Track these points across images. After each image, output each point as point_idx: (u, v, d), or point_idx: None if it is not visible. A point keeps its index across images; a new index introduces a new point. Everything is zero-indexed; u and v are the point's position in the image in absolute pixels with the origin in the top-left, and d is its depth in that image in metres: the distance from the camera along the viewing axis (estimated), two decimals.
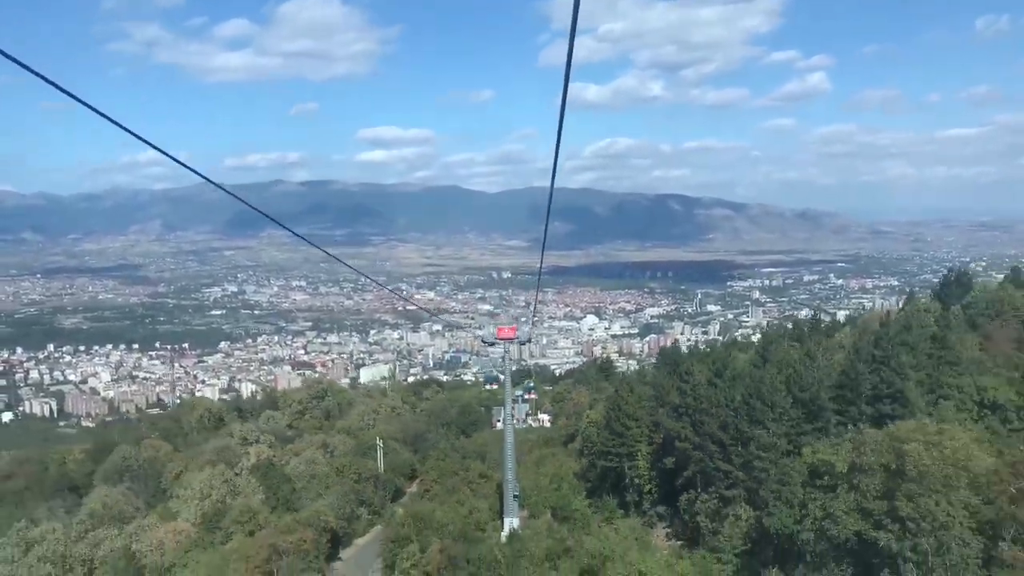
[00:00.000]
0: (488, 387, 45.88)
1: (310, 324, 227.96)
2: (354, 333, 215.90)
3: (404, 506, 46.29)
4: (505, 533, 36.06)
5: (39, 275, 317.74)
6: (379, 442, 54.11)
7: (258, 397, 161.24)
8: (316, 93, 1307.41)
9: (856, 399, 38.32)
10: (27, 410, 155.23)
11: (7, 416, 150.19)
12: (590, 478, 46.13)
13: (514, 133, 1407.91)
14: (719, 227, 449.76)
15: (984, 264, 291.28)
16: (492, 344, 37.55)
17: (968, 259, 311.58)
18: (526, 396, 47.94)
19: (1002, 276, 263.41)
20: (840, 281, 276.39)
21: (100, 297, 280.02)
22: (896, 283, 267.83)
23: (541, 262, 17.70)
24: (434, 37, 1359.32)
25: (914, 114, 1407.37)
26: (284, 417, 69.58)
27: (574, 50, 4.45)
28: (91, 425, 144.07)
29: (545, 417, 62.23)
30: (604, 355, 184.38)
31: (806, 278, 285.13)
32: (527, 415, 37.74)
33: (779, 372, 40.04)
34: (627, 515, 39.56)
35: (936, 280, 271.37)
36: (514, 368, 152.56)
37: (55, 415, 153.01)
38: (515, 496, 37.43)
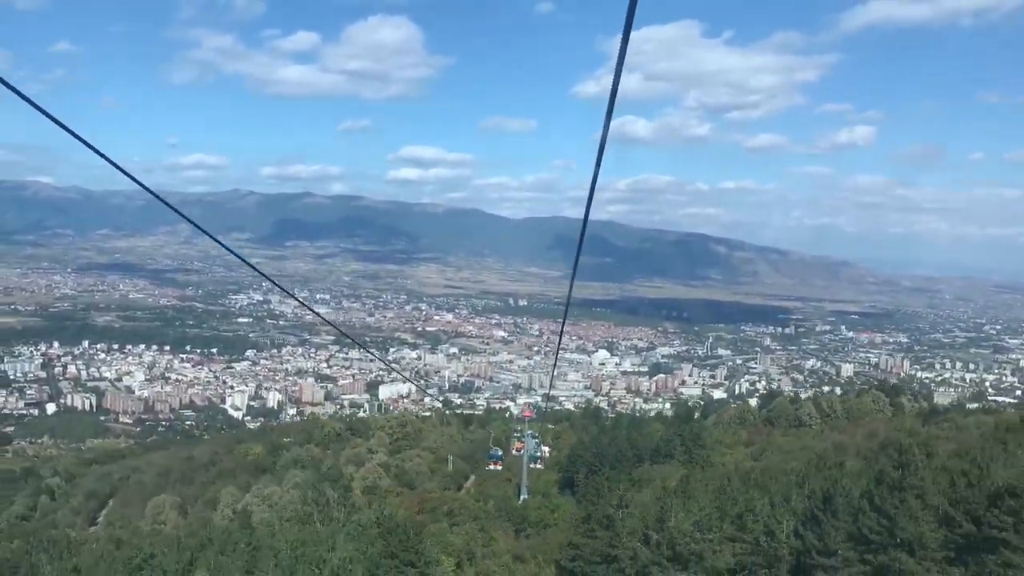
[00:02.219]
0: (492, 467, 59.41)
1: (332, 338, 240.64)
2: (374, 350, 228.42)
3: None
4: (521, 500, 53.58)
5: (71, 270, 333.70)
6: (450, 457, 71.89)
7: (285, 407, 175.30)
8: (366, 111, 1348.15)
9: None
10: (68, 403, 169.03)
11: (51, 408, 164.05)
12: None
13: (548, 162, 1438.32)
14: (738, 269, 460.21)
15: (999, 328, 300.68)
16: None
17: (984, 320, 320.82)
18: (536, 443, 61.26)
19: (1018, 341, 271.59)
20: (851, 333, 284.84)
21: (131, 296, 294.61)
22: (905, 340, 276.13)
23: (568, 300, 16.43)
24: (484, 65, 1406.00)
25: (953, 171, 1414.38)
26: (385, 437, 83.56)
27: (619, 84, 4.57)
28: (129, 422, 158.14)
29: (546, 449, 76.47)
30: (610, 391, 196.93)
31: (818, 328, 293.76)
32: (537, 453, 50.81)
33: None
34: None
35: (947, 340, 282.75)
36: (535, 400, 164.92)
37: (95, 410, 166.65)
38: (525, 486, 52.29)
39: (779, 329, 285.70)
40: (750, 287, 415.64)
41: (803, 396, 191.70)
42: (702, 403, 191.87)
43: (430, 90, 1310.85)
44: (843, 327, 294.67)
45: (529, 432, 47.81)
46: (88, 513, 65.23)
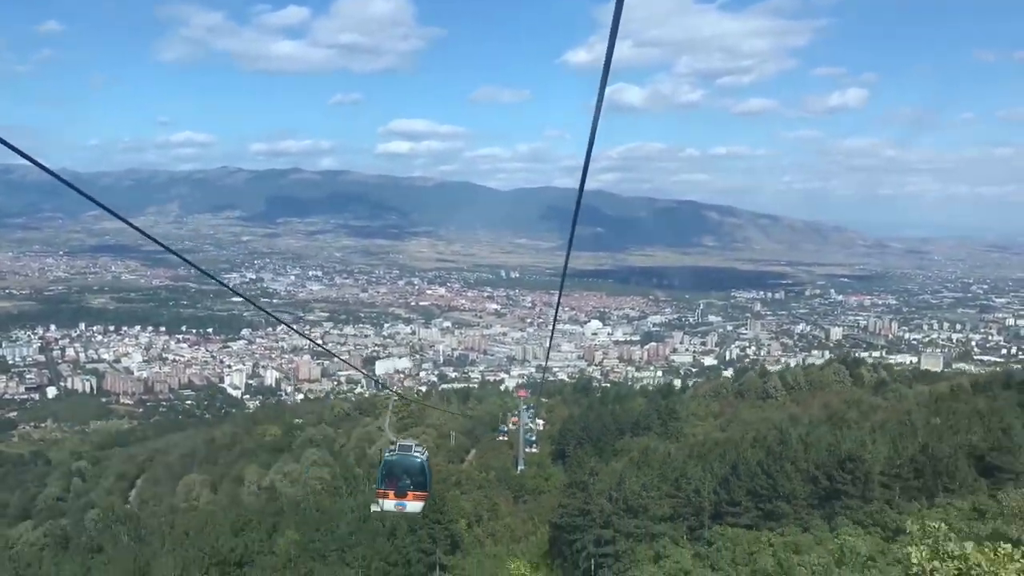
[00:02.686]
0: (501, 437, 62.06)
1: (326, 315, 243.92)
2: (368, 326, 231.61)
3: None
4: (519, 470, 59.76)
5: (62, 253, 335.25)
6: (452, 433, 77.20)
7: (282, 384, 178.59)
8: (356, 85, 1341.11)
9: None
10: (69, 386, 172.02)
11: (52, 391, 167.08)
12: None
13: (540, 132, 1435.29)
14: (729, 235, 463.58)
15: (986, 287, 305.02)
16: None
17: (971, 281, 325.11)
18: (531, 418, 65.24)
19: (1004, 300, 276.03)
20: (840, 297, 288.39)
21: (124, 278, 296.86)
22: (894, 302, 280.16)
23: (564, 271, 17.66)
24: (474, 36, 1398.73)
25: (946, 132, 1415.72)
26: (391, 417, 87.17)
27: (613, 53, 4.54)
28: (130, 403, 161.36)
29: (541, 422, 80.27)
30: (603, 360, 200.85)
31: (808, 292, 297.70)
32: (533, 437, 54.23)
33: None
34: None
35: (935, 302, 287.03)
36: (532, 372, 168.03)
37: (95, 392, 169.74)
38: (522, 458, 56.40)
39: (769, 294, 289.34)
40: (741, 253, 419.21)
41: (792, 361, 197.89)
42: (693, 370, 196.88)
43: (421, 62, 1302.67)
44: (832, 290, 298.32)
45: (527, 413, 51.73)
46: (121, 493, 68.98)
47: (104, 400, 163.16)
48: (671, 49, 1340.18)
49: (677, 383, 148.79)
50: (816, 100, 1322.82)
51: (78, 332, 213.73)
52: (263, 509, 49.32)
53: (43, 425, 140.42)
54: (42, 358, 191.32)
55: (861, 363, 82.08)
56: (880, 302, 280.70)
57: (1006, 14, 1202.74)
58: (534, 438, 52.94)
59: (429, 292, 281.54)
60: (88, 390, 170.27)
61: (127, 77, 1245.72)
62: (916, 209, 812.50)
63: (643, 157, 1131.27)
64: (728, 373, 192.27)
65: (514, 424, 62.44)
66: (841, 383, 70.35)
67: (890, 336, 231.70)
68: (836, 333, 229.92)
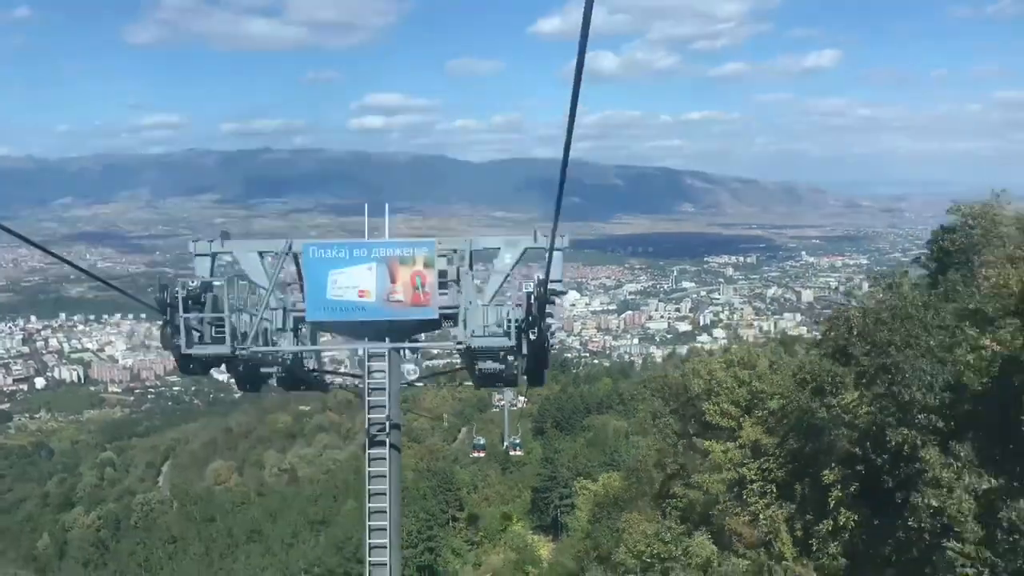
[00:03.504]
0: (476, 455, 68.39)
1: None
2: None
3: None
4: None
5: (37, 242, 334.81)
6: (445, 416, 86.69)
7: None
8: (330, 62, 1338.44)
9: None
10: (56, 376, 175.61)
11: (40, 382, 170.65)
12: None
13: (514, 103, 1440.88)
14: (703, 200, 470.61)
15: None
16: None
17: None
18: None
19: None
20: (812, 258, 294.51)
21: (99, 265, 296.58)
22: (865, 261, 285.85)
23: (551, 244, 11.51)
24: (447, 7, 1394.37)
25: (916, 89, 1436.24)
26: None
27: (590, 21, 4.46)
28: (118, 391, 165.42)
29: (523, 399, 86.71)
30: (581, 331, 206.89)
31: (780, 254, 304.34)
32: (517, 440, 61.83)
33: None
34: None
35: (905, 260, 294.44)
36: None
37: (83, 381, 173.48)
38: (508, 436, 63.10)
39: (742, 258, 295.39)
40: (715, 218, 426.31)
41: (764, 324, 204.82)
42: (668, 336, 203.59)
43: (394, 37, 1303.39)
44: (804, 252, 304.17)
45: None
46: (152, 480, 74.72)
47: (93, 389, 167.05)
48: (643, 15, 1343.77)
49: (648, 357, 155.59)
50: (790, 61, 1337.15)
51: (59, 322, 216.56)
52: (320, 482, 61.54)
53: (37, 416, 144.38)
54: (26, 349, 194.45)
55: (798, 340, 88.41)
56: (851, 262, 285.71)
57: None
58: (518, 441, 60.70)
59: None
60: (76, 379, 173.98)
61: (99, 62, 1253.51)
62: (890, 167, 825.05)
63: (617, 124, 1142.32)
64: (703, 339, 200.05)
65: (498, 402, 68.84)
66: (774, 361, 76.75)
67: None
68: (807, 295, 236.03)
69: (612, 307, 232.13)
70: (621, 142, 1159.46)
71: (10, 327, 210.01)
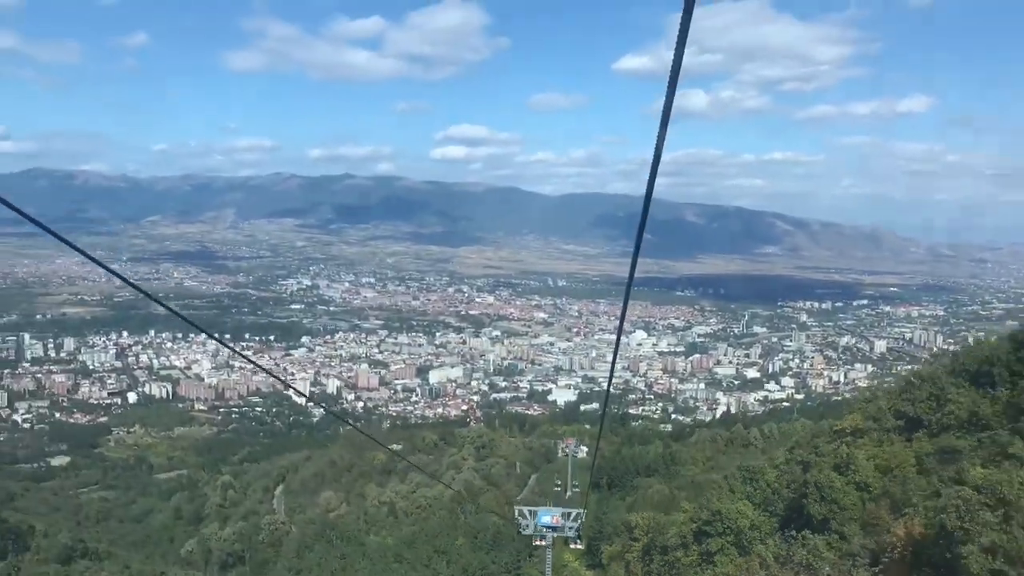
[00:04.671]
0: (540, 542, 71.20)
1: (381, 323, 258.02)
2: (421, 334, 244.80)
3: None
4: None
5: (126, 258, 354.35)
6: (517, 463, 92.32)
7: (343, 392, 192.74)
8: (421, 93, 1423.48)
9: None
10: (147, 391, 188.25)
11: (132, 396, 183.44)
12: None
13: (594, 138, 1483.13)
14: (779, 242, 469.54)
15: None
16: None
17: (1023, 291, 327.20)
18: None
19: None
20: (888, 307, 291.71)
21: (186, 284, 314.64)
22: (942, 313, 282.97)
23: (629, 284, 7.94)
24: (537, 45, 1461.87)
25: (1009, 136, 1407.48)
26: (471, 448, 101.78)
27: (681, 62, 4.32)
28: (204, 409, 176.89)
29: (584, 449, 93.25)
30: (647, 372, 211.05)
31: (855, 302, 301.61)
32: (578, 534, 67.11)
33: None
34: None
35: (984, 313, 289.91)
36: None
37: (171, 397, 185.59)
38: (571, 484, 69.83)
39: (816, 304, 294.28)
40: (790, 260, 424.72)
41: (835, 375, 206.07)
42: (736, 382, 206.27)
43: (484, 71, 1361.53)
44: (880, 301, 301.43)
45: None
46: (268, 503, 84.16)
47: (180, 406, 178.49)
48: (735, 55, 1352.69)
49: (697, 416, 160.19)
50: (882, 106, 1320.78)
51: (148, 339, 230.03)
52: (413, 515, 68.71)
53: (133, 430, 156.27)
54: (119, 364, 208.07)
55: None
56: (928, 313, 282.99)
57: None
58: (579, 533, 64.03)
59: (479, 300, 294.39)
60: (165, 395, 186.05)
61: (202, 87, 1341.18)
62: (977, 215, 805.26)
63: (698, 162, 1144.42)
64: (771, 386, 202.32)
65: (567, 446, 75.70)
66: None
67: (935, 349, 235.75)
68: (880, 346, 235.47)
69: (680, 349, 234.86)
70: (700, 179, 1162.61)
71: (104, 341, 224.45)
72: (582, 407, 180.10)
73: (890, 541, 27.28)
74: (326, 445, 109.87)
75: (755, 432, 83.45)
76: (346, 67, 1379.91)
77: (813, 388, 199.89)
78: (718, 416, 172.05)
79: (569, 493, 75.89)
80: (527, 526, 30.31)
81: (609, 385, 26.03)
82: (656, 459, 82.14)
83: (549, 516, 30.54)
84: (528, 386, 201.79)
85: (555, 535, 30.93)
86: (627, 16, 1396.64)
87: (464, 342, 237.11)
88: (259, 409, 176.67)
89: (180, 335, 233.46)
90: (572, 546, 65.35)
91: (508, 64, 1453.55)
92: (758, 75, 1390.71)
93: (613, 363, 18.58)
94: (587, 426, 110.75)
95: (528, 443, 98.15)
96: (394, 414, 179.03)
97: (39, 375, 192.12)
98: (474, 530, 67.67)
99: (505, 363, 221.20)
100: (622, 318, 10.86)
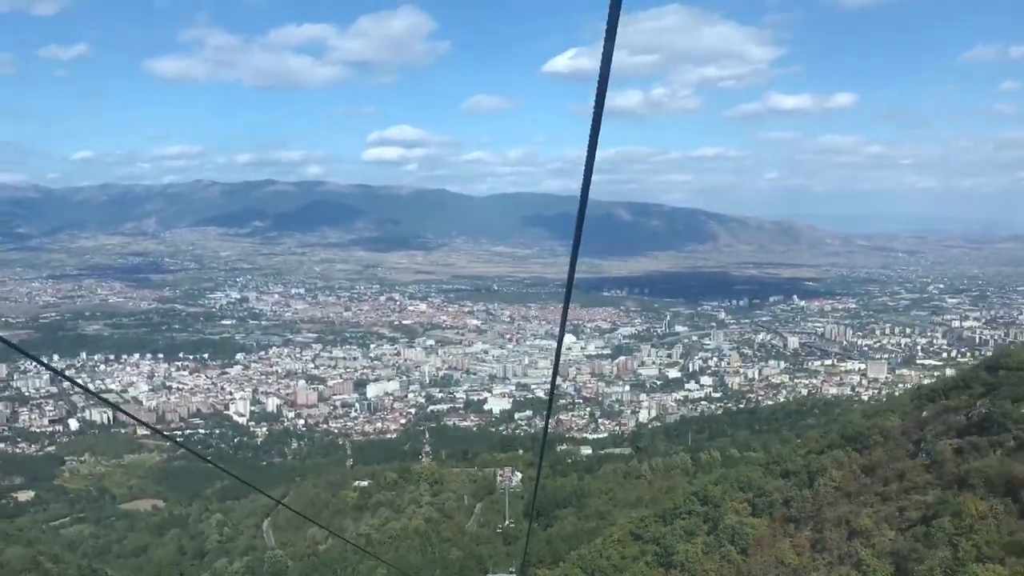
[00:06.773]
0: None
1: (314, 336, 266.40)
2: (355, 347, 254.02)
3: None
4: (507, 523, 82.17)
5: (46, 275, 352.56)
6: (465, 496, 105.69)
7: (283, 410, 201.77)
8: (365, 99, 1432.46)
9: None
10: (87, 417, 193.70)
11: (73, 423, 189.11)
12: None
13: (525, 139, 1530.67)
14: (704, 239, 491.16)
15: (942, 287, 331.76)
16: None
17: (929, 279, 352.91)
18: None
19: (955, 300, 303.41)
20: (803, 302, 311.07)
21: (111, 301, 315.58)
22: (854, 305, 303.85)
23: (568, 288, 6.66)
24: (470, 46, 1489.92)
25: (929, 128, 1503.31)
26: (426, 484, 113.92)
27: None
28: (147, 433, 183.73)
29: (519, 475, 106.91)
30: (576, 376, 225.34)
31: (771, 298, 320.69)
32: None
33: None
34: None
35: (892, 304, 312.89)
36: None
37: (112, 423, 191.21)
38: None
39: (734, 302, 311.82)
40: (713, 257, 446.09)
41: (750, 372, 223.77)
42: (658, 383, 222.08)
43: (423, 78, 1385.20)
44: (795, 296, 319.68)
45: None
46: (261, 539, 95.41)
47: (124, 431, 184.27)
48: (665, 56, 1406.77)
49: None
50: (805, 101, 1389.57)
51: (80, 362, 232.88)
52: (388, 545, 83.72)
53: (84, 459, 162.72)
54: (54, 389, 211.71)
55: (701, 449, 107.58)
56: (840, 306, 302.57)
57: (997, 13, 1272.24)
58: None
59: (411, 308, 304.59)
60: (106, 422, 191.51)
61: (139, 97, 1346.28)
62: (889, 203, 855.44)
63: (629, 159, 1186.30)
64: (691, 385, 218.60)
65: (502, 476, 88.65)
66: (683, 469, 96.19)
67: (844, 343, 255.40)
68: (793, 342, 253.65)
69: (607, 351, 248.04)
70: (631, 175, 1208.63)
71: (35, 366, 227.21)
72: (516, 415, 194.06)
73: None
74: (295, 479, 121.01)
75: (645, 467, 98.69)
76: (287, 74, 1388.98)
77: (730, 386, 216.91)
78: (640, 420, 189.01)
79: (507, 522, 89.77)
80: None
81: (548, 415, 20.59)
82: (571, 492, 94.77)
83: None
84: (464, 396, 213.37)
85: None
86: (563, 19, 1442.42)
87: (399, 353, 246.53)
88: (202, 431, 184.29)
89: (112, 356, 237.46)
90: None
91: (448, 68, 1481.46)
92: (692, 75, 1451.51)
93: (552, 394, 29.91)
94: (520, 452, 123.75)
95: (472, 475, 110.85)
96: (335, 431, 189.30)
97: None
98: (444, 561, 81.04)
99: (440, 373, 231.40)
100: (561, 336, 9.72)
